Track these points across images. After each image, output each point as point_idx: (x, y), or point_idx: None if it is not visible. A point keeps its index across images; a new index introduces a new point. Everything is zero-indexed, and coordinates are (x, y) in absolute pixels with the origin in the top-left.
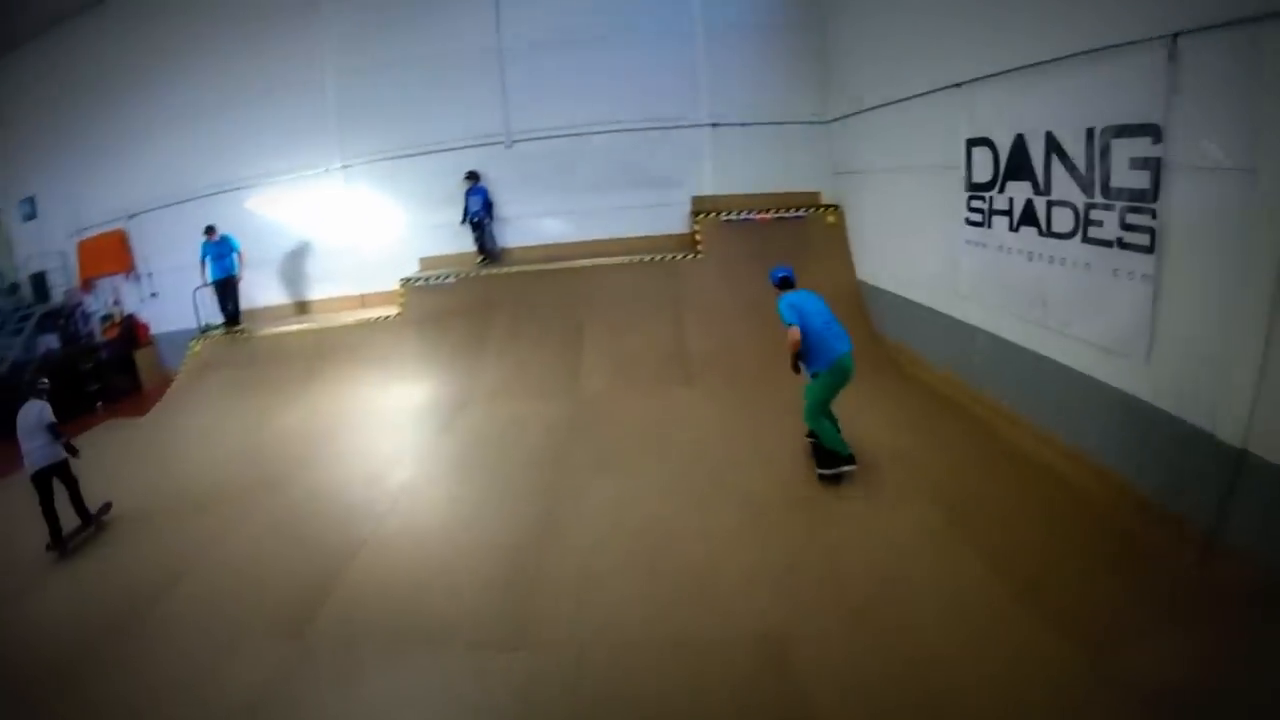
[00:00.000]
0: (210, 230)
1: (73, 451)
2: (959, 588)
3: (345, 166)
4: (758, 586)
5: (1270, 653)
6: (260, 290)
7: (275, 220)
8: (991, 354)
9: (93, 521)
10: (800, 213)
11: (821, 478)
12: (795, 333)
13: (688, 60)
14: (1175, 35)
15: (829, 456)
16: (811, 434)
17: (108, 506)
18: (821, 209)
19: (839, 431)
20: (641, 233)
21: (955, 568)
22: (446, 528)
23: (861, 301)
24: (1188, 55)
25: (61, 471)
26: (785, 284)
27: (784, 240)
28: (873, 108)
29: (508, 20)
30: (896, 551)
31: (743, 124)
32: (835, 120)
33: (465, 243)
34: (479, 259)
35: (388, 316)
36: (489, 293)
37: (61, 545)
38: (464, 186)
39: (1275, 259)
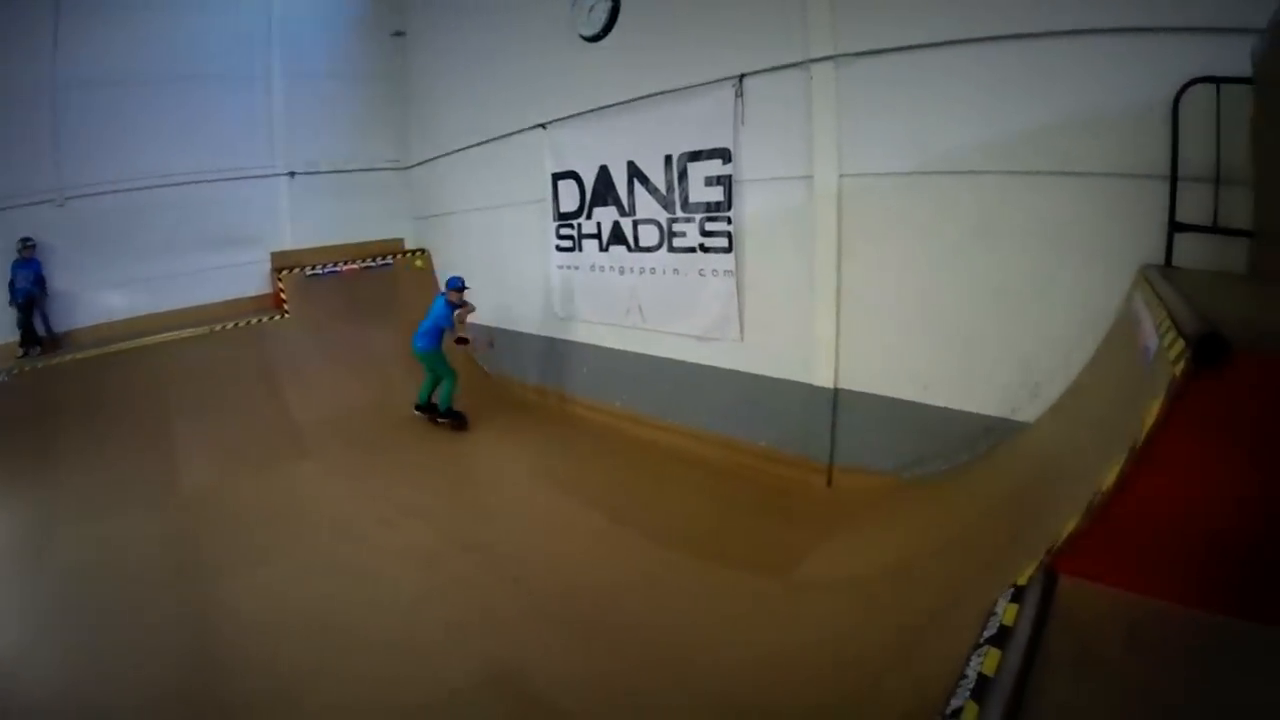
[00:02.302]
0: None
1: None
2: (642, 569)
3: None
4: (466, 634)
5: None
6: None
7: None
8: (600, 366)
9: None
10: (388, 260)
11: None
12: None
13: (263, 108)
14: (741, 76)
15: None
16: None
17: None
18: (408, 254)
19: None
20: (223, 297)
21: (631, 554)
22: (89, 691)
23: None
24: (751, 92)
25: None
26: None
27: (373, 290)
28: (457, 150)
29: (65, 51)
30: (574, 562)
31: (321, 172)
32: (417, 165)
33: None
34: (22, 351)
35: None
36: (49, 389)
37: None
38: (15, 258)
39: (835, 238)
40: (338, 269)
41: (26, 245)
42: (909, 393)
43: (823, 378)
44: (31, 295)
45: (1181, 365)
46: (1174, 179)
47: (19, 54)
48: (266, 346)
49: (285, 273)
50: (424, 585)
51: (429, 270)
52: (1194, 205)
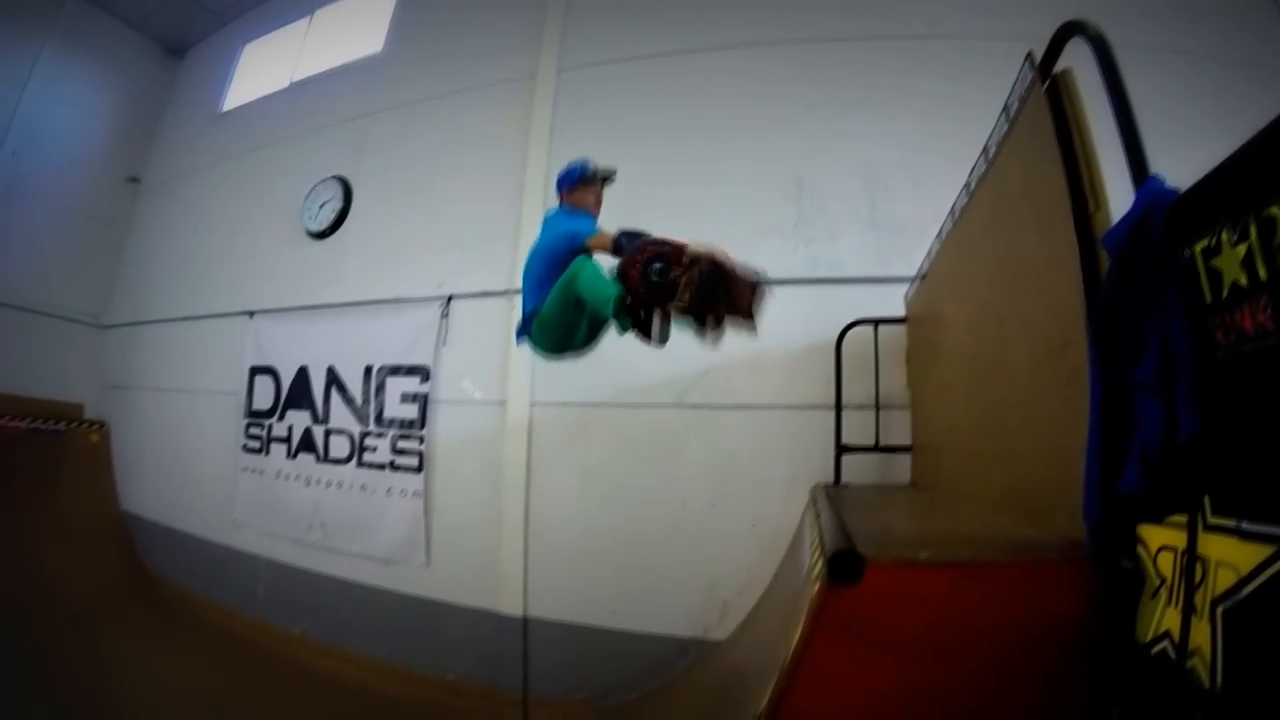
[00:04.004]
0: None
1: None
2: None
3: None
4: None
5: None
6: None
7: None
8: (275, 581)
9: None
10: (60, 425)
11: None
12: None
13: None
14: (450, 298)
15: None
16: None
17: None
18: (85, 424)
19: None
20: None
21: None
22: None
23: (130, 535)
24: (456, 313)
25: None
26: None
27: (36, 459)
28: (162, 320)
29: None
30: None
31: (9, 307)
32: (115, 327)
33: None
34: None
35: None
36: None
37: None
38: None
39: (524, 465)
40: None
41: None
42: (599, 619)
43: (511, 605)
44: None
45: (819, 582)
46: (839, 407)
47: None
48: None
49: None
50: None
51: (105, 447)
52: (858, 429)
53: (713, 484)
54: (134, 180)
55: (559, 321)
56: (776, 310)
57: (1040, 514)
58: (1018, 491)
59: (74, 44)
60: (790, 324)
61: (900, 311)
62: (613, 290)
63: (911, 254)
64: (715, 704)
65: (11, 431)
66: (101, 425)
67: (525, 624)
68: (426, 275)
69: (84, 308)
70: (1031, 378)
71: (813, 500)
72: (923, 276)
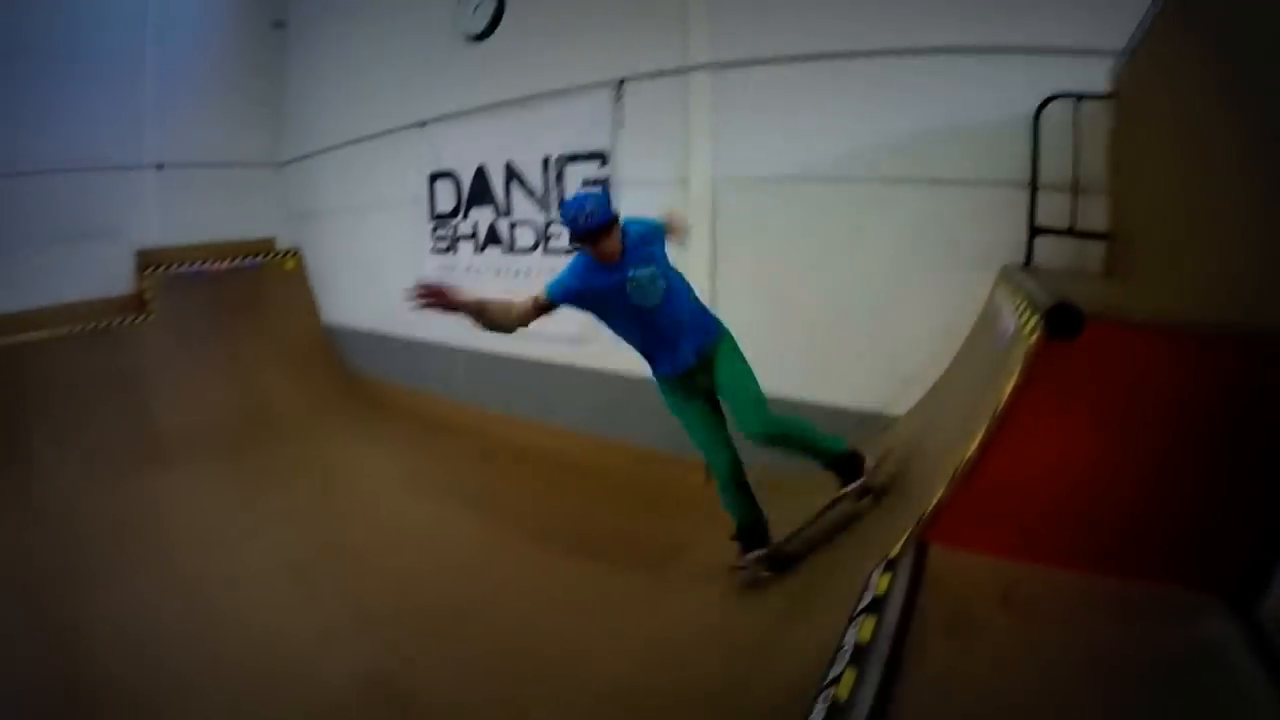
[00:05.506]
0: None
1: None
2: (519, 569)
3: None
4: (338, 640)
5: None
6: None
7: None
8: (473, 368)
9: None
10: (258, 260)
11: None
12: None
13: (131, 95)
14: (621, 80)
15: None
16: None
17: None
18: (279, 255)
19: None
20: (81, 296)
21: (507, 554)
22: None
23: (331, 344)
24: (630, 96)
25: None
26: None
27: (241, 291)
28: (333, 148)
29: None
30: (450, 563)
31: (192, 165)
32: (291, 162)
33: None
34: None
35: None
36: None
37: None
38: None
39: (709, 241)
40: (205, 268)
41: None
42: (785, 389)
43: None
44: None
45: (1036, 335)
46: (1034, 186)
47: None
48: (129, 350)
49: (150, 271)
50: (293, 593)
51: (300, 271)
52: (1052, 211)
53: (899, 260)
54: (279, 24)
55: None
56: (972, 81)
57: (1253, 310)
58: (1229, 283)
59: None
60: (984, 95)
61: (1105, 88)
62: None
63: (1123, 25)
64: (895, 468)
65: (217, 273)
66: (294, 253)
67: None
68: (594, 61)
69: (259, 151)
70: (1252, 170)
71: (1004, 276)
72: (1133, 51)
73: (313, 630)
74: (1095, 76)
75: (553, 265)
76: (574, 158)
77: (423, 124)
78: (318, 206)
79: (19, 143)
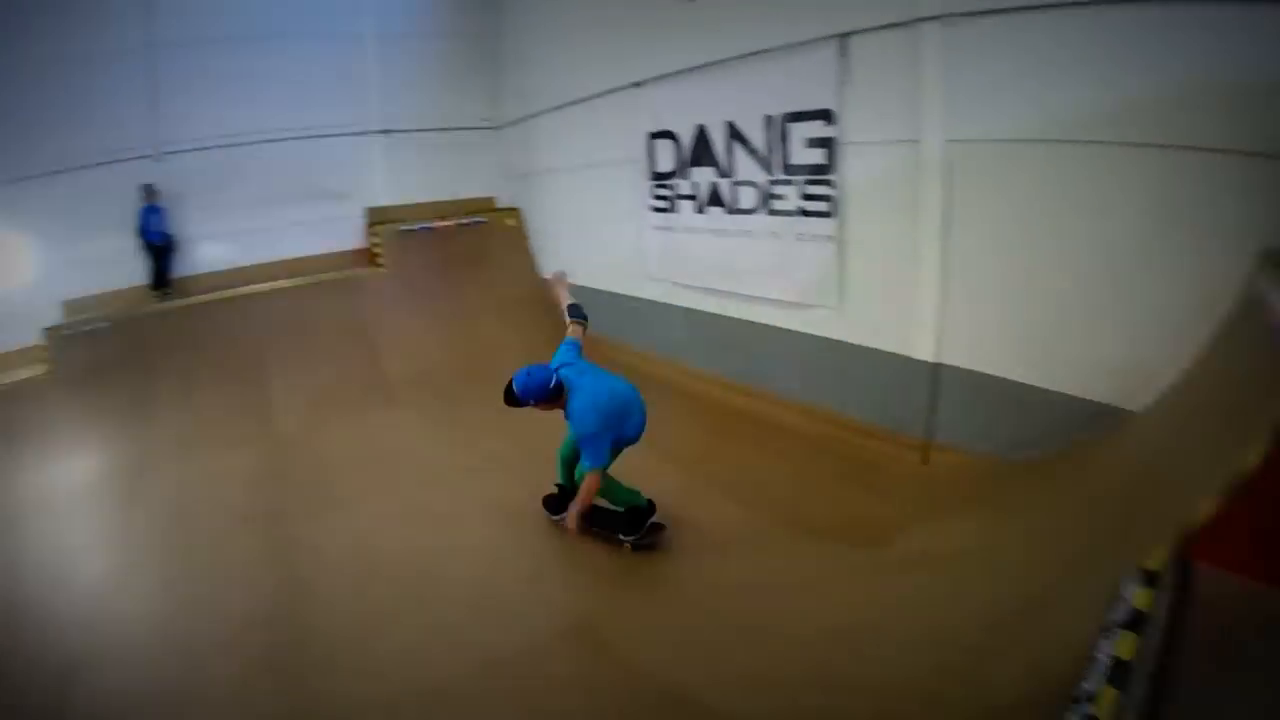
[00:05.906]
0: None
1: None
2: (728, 530)
3: None
4: (547, 585)
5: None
6: None
7: None
8: (690, 327)
9: None
10: (480, 218)
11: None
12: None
13: (358, 66)
14: (845, 35)
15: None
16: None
17: None
18: (500, 213)
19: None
20: (316, 251)
21: (716, 514)
22: (176, 618)
23: (549, 299)
24: (856, 51)
25: None
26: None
27: (466, 247)
28: (550, 110)
29: (164, 13)
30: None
31: (416, 130)
32: (509, 125)
33: (115, 278)
34: (158, 292)
35: (30, 379)
36: (152, 334)
37: None
38: (142, 204)
39: (939, 206)
40: (430, 225)
41: (151, 192)
42: (1013, 372)
43: (923, 351)
44: (169, 239)
45: None
46: None
47: (120, 21)
48: (360, 299)
49: (379, 227)
50: (507, 534)
51: (520, 229)
52: None
53: (1146, 236)
54: None
55: None
56: (1235, 34)
57: None
58: None
59: None
60: (1249, 51)
61: None
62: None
63: None
64: (1139, 471)
65: (441, 229)
66: (514, 211)
67: (936, 370)
68: (816, 18)
69: (478, 115)
70: None
71: (1269, 262)
72: None
73: (522, 574)
74: None
75: (774, 227)
76: (798, 116)
77: (639, 84)
78: (536, 166)
79: (261, 115)
